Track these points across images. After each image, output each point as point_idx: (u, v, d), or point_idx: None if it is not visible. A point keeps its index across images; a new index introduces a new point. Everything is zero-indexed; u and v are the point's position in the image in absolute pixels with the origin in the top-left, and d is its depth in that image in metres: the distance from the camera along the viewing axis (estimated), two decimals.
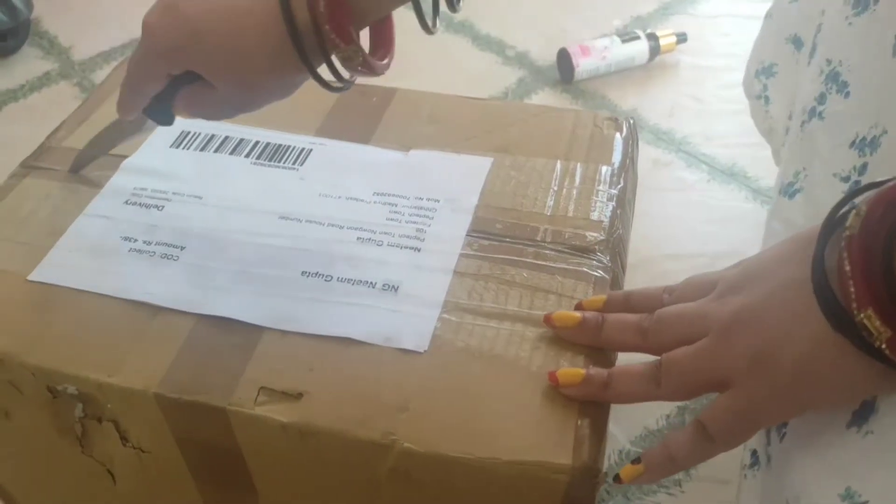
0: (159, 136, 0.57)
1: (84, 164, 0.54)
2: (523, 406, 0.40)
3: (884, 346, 0.29)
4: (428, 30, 0.40)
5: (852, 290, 0.30)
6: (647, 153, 0.98)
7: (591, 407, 0.40)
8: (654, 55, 1.11)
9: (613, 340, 0.41)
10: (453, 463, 0.39)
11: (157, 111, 0.46)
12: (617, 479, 0.37)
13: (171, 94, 0.43)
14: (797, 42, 0.62)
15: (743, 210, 0.92)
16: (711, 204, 0.93)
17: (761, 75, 0.70)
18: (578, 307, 0.43)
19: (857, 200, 0.32)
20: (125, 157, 0.55)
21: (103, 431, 0.46)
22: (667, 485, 0.66)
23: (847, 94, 0.45)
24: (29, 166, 0.55)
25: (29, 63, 1.15)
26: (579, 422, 0.39)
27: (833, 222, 0.33)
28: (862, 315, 0.29)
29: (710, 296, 0.37)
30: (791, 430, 0.37)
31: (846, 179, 0.44)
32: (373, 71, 0.40)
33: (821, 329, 0.32)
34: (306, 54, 0.38)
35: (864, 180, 0.42)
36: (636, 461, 0.37)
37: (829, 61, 0.47)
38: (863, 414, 0.33)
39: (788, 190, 0.49)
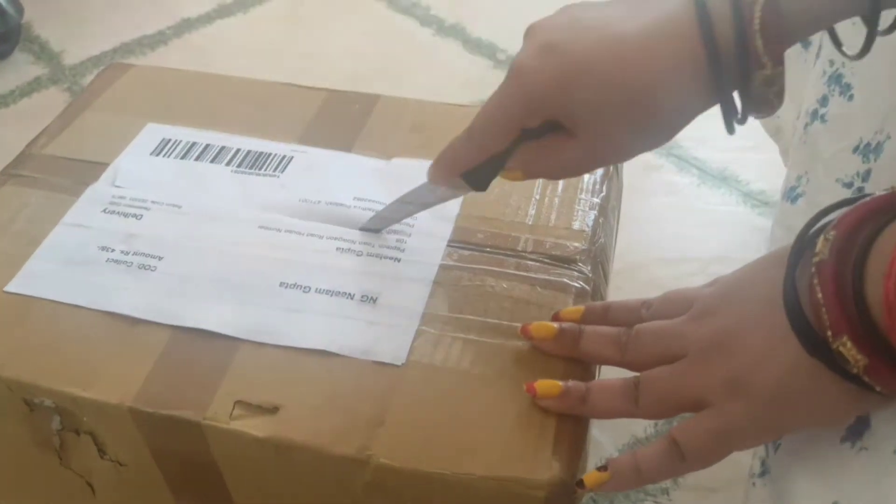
0: (139, 144, 0.56)
1: (378, 229, 0.49)
2: (501, 420, 0.40)
3: (861, 373, 0.29)
4: (855, 54, 0.35)
5: (826, 318, 0.29)
6: (637, 157, 0.98)
7: (569, 421, 0.39)
8: None
9: (590, 353, 0.40)
10: (430, 478, 0.38)
11: (479, 173, 0.41)
12: (581, 483, 0.37)
13: (507, 153, 0.39)
14: (804, 41, 0.61)
15: (734, 214, 0.92)
16: (702, 208, 0.93)
17: None
18: (556, 318, 0.43)
19: (827, 220, 0.32)
20: (105, 164, 0.55)
21: (81, 444, 0.46)
22: (654, 493, 0.66)
23: (850, 98, 0.44)
24: (8, 174, 0.55)
25: (19, 68, 1.14)
26: (557, 436, 0.39)
27: (804, 241, 0.32)
28: (837, 343, 0.29)
29: (687, 315, 0.37)
30: (786, 442, 0.37)
31: (849, 185, 0.43)
32: (780, 101, 0.35)
33: (796, 353, 0.31)
34: (723, 78, 0.33)
35: (868, 186, 0.42)
36: (603, 468, 0.37)
37: (831, 62, 0.46)
38: (857, 429, 0.33)
39: (791, 194, 0.48)
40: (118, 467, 0.46)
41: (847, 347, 0.29)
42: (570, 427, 0.39)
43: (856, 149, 0.42)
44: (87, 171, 0.54)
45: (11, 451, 0.49)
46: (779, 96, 0.34)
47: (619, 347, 0.39)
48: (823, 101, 0.46)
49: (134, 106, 0.60)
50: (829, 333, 0.29)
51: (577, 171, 0.41)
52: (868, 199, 0.31)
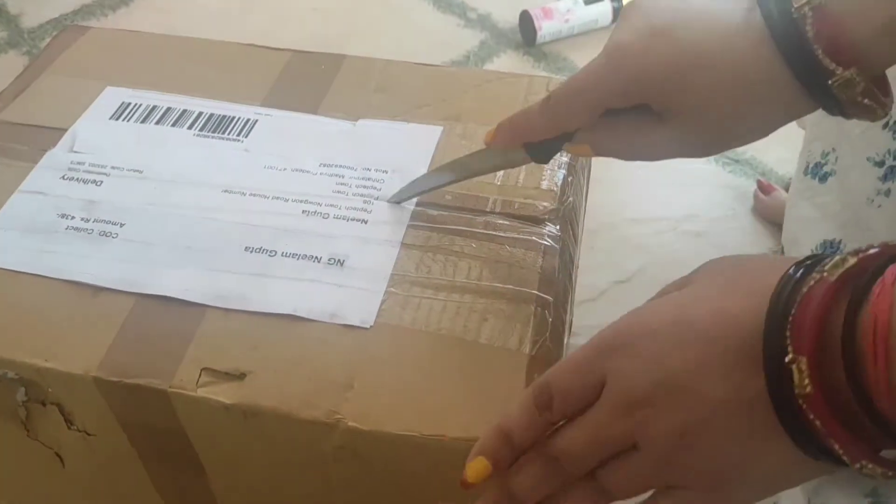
0: (98, 109, 0.55)
1: (409, 197, 0.48)
2: (470, 381, 0.40)
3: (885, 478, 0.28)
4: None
5: (840, 452, 0.27)
6: None
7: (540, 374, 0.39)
8: (617, 16, 1.10)
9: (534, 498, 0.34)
10: (399, 441, 0.38)
11: (545, 146, 0.40)
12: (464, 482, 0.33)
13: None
14: None
15: (704, 173, 0.92)
16: (672, 167, 0.92)
17: None
18: (466, 486, 0.34)
19: (783, 321, 0.27)
20: (62, 129, 0.53)
21: (48, 415, 0.45)
22: None
23: None
24: None
25: None
26: None
27: (773, 350, 0.28)
28: (860, 466, 0.27)
29: (611, 406, 0.31)
30: None
31: (881, 164, 0.42)
32: (876, 102, 0.33)
33: (789, 452, 0.29)
34: (813, 89, 0.33)
35: None
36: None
37: None
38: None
39: (818, 172, 0.47)
40: (86, 437, 0.46)
41: (870, 469, 0.27)
42: None
43: (886, 125, 0.41)
44: (44, 136, 0.53)
45: None
46: (869, 96, 0.32)
47: (561, 480, 0.33)
48: None
49: (91, 69, 0.58)
50: (846, 459, 0.27)
51: (655, 156, 0.38)
52: (809, 297, 0.27)
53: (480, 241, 0.46)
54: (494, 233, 0.46)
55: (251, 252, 0.45)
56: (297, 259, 0.45)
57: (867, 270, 0.27)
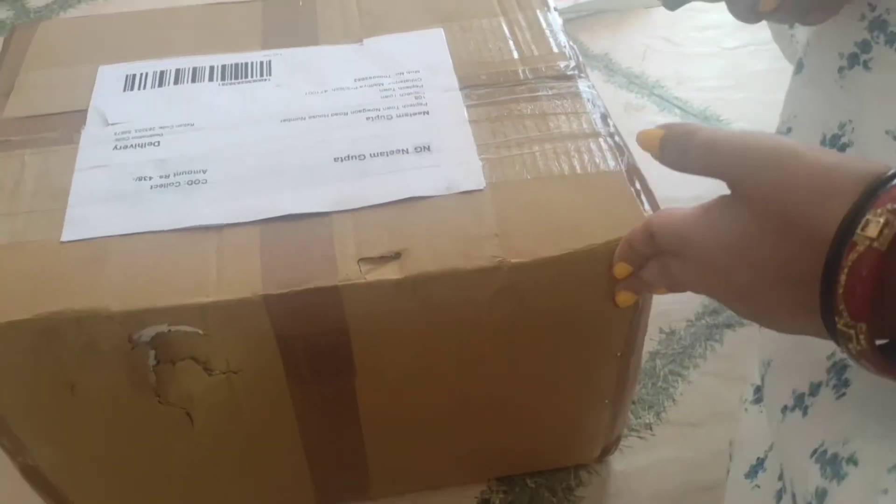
0: (105, 86, 0.54)
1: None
2: (588, 201, 0.46)
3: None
4: None
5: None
6: (619, 97, 0.97)
7: (636, 183, 0.47)
8: None
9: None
10: (558, 262, 0.44)
11: None
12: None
13: None
14: None
15: None
16: None
17: None
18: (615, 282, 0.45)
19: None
20: (78, 111, 0.52)
21: (179, 372, 0.46)
22: (637, 428, 0.67)
23: None
24: None
25: None
26: (636, 197, 0.46)
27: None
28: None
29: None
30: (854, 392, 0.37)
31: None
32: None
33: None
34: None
35: None
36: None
37: (871, 6, 0.44)
38: None
39: (836, 143, 0.48)
40: (231, 378, 0.47)
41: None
42: (643, 187, 0.47)
43: None
44: (66, 121, 0.52)
45: (98, 409, 0.48)
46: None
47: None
48: (865, 46, 0.44)
49: (70, 57, 0.57)
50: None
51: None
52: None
53: (531, 102, 0.52)
54: (538, 94, 0.53)
55: (341, 161, 0.48)
56: (387, 156, 0.49)
57: None
